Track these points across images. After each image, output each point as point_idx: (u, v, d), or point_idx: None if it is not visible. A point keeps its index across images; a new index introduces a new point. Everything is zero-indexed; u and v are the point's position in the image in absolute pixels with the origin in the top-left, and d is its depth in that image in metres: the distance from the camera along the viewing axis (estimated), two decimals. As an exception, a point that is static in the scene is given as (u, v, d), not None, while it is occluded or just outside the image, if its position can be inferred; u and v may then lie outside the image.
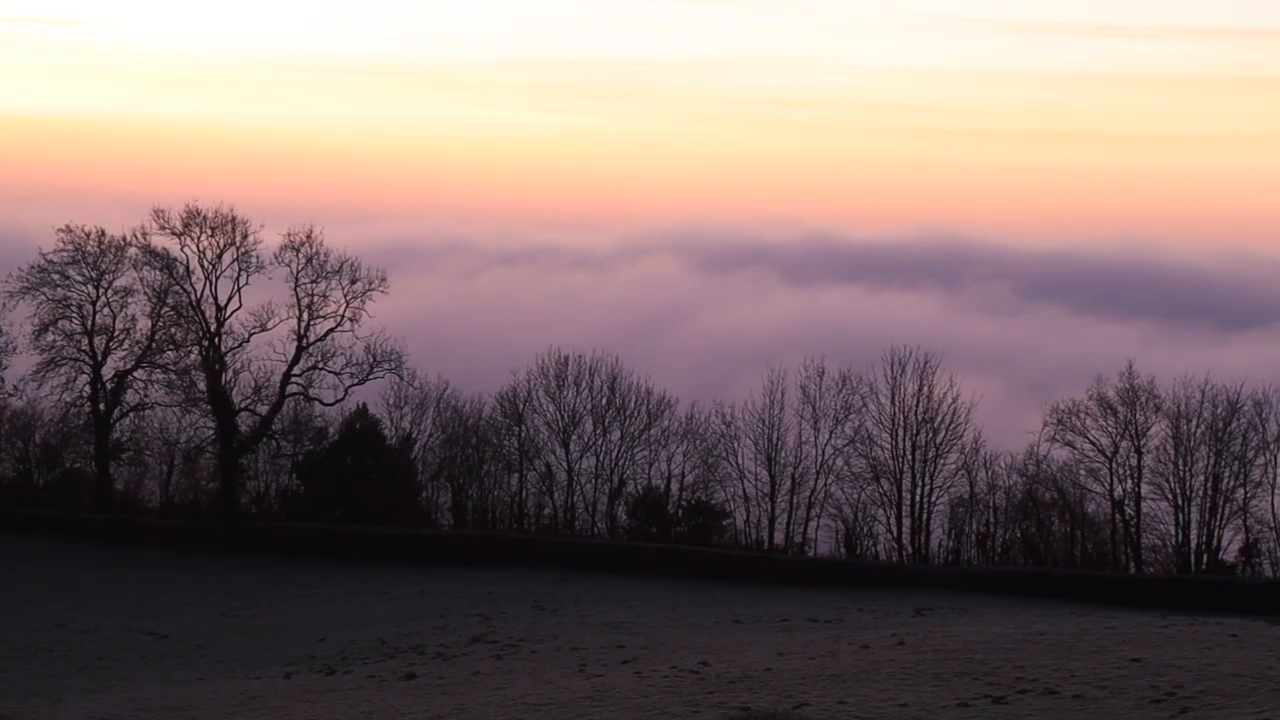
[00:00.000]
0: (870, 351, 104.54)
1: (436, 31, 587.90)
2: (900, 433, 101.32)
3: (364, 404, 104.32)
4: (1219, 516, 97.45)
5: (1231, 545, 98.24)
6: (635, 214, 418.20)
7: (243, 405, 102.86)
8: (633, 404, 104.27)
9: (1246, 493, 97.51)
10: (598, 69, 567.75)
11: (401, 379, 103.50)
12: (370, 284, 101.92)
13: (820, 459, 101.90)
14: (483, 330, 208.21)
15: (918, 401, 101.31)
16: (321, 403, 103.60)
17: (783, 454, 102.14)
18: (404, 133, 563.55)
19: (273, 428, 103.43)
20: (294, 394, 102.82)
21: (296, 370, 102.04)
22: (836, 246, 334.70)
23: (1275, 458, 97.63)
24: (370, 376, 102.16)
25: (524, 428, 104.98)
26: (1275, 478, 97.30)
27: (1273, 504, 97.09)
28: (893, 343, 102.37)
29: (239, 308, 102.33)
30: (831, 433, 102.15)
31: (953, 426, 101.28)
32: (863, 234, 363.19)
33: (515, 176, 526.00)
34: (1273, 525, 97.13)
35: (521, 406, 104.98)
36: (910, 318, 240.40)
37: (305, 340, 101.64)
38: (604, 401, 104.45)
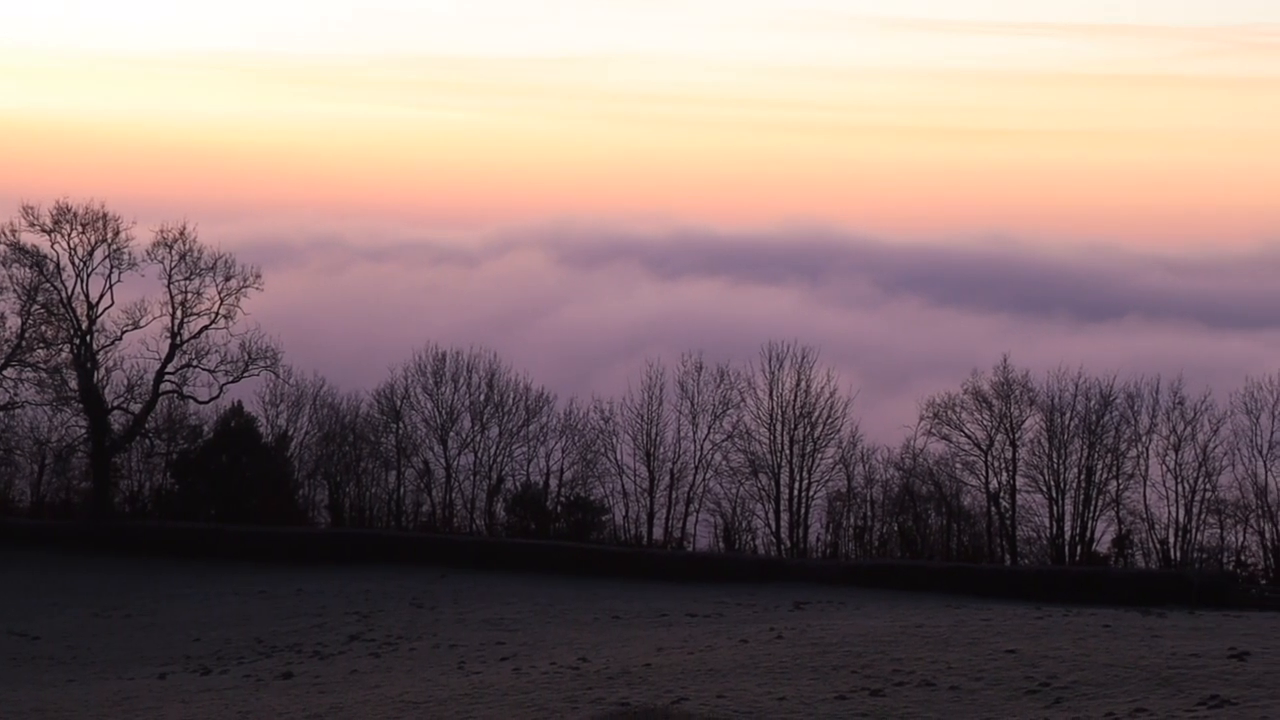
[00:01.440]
0: (730, 343, 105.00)
1: (310, 26, 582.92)
2: (778, 427, 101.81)
3: (239, 402, 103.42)
4: (1092, 508, 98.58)
5: (1105, 536, 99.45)
6: (507, 209, 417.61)
7: (115, 404, 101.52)
8: (511, 400, 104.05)
9: (1119, 484, 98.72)
10: (473, 65, 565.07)
11: (277, 376, 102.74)
12: (245, 281, 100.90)
13: (699, 454, 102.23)
14: (351, 326, 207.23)
15: (795, 396, 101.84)
16: (196, 401, 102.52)
17: (661, 449, 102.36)
18: (276, 128, 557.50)
19: (146, 426, 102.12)
20: (168, 392, 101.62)
21: (170, 368, 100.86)
22: (704, 241, 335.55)
23: (1147, 450, 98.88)
24: (245, 374, 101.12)
25: (401, 425, 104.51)
26: (1147, 470, 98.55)
27: (1144, 495, 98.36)
28: (751, 335, 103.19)
29: (111, 305, 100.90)
30: (710, 428, 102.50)
31: (830, 421, 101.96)
32: (731, 228, 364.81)
33: (388, 172, 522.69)
34: (1144, 517, 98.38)
35: (399, 403, 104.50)
36: (771, 310, 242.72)
37: (179, 338, 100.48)
38: (482, 398, 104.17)
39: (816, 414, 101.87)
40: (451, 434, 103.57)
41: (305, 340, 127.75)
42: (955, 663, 43.07)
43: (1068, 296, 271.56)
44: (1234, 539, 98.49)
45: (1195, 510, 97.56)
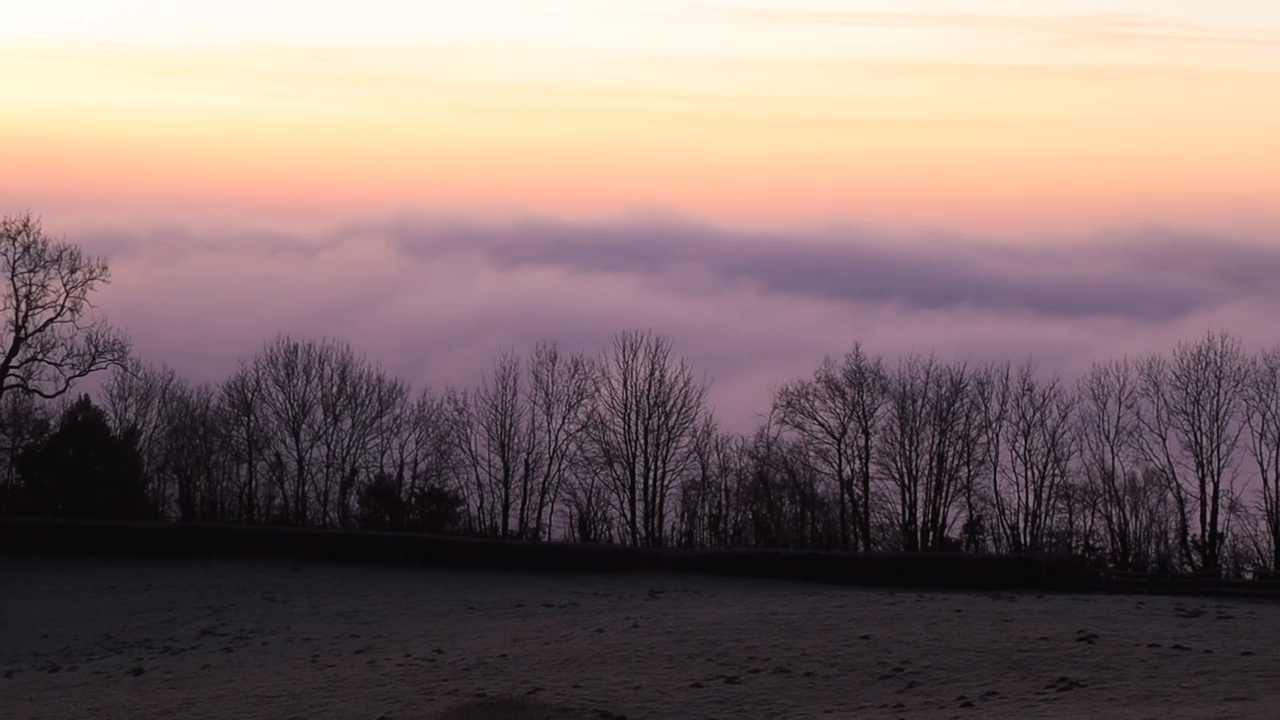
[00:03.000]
0: (567, 330, 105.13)
1: (153, 15, 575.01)
2: (633, 416, 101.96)
3: (86, 395, 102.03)
4: (944, 494, 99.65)
5: (956, 522, 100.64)
6: (353, 200, 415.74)
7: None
8: (364, 392, 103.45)
9: (970, 471, 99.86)
10: (320, 55, 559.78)
11: (125, 369, 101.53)
12: (91, 273, 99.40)
13: (553, 444, 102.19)
14: (198, 318, 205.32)
15: (649, 385, 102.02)
16: (42, 395, 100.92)
17: (516, 440, 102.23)
18: (119, 118, 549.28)
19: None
20: (12, 386, 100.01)
21: (15, 362, 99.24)
22: (548, 230, 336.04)
23: (997, 436, 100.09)
24: (92, 368, 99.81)
25: (253, 417, 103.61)
26: (997, 456, 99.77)
27: (995, 481, 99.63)
28: (587, 322, 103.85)
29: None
30: (564, 418, 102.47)
31: (684, 410, 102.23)
32: (575, 217, 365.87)
33: (233, 163, 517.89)
34: (995, 502, 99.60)
35: (250, 396, 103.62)
36: (609, 298, 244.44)
37: (23, 331, 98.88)
38: (335, 390, 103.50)
39: (670, 403, 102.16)
40: (304, 426, 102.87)
41: (153, 332, 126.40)
42: (810, 649, 43.29)
43: (903, 283, 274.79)
44: (1082, 523, 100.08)
45: (1044, 495, 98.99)
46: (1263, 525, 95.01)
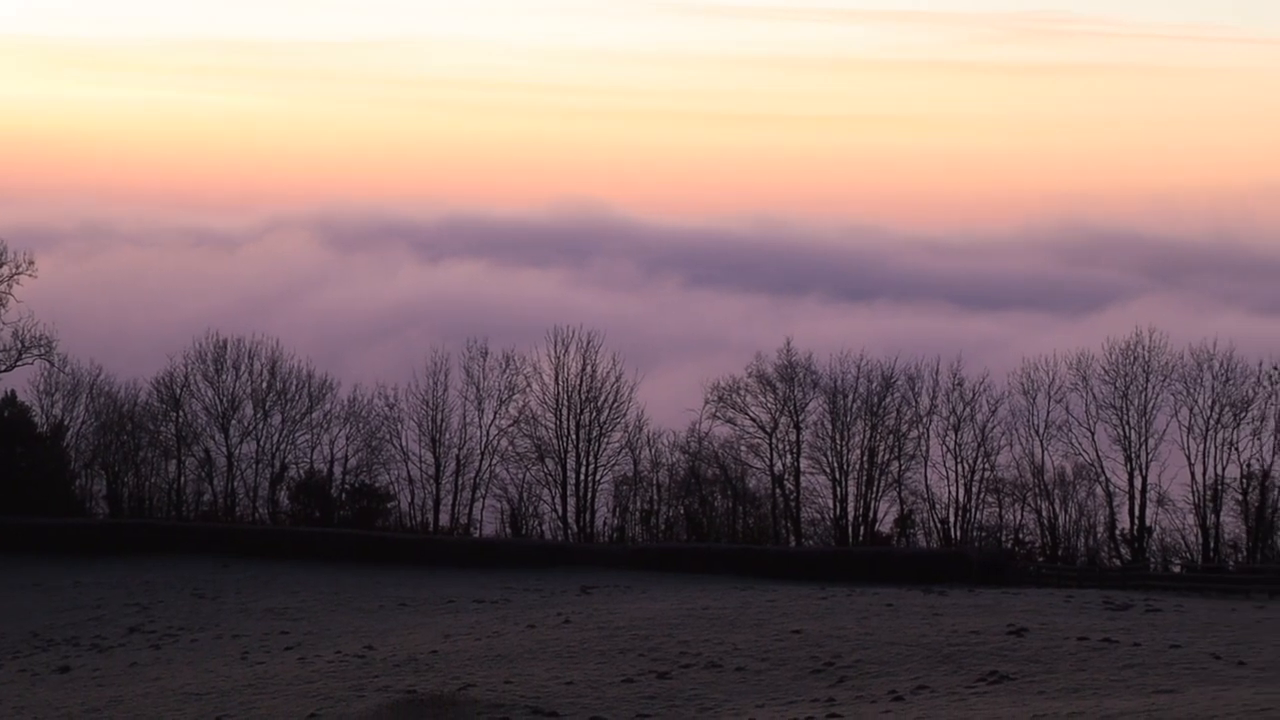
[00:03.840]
0: (490, 324, 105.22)
1: (86, 7, 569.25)
2: (564, 412, 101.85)
3: (12, 391, 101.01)
4: (875, 489, 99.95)
5: (887, 517, 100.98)
6: (280, 195, 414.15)
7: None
8: (294, 388, 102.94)
9: (900, 465, 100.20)
10: (248, 49, 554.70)
11: (52, 365, 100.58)
12: (17, 268, 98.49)
13: (485, 439, 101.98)
14: (125, 313, 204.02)
15: (581, 380, 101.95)
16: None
17: (447, 435, 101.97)
18: (50, 111, 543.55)
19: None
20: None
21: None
22: (474, 224, 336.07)
23: (928, 430, 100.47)
24: (19, 363, 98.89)
25: (182, 413, 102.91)
26: (928, 450, 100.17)
27: (925, 475, 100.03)
28: (510, 315, 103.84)
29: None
30: (496, 413, 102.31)
31: (616, 405, 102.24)
32: (502, 212, 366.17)
33: (162, 157, 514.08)
34: (926, 496, 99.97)
35: (179, 391, 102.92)
36: (535, 292, 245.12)
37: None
38: (264, 385, 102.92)
39: (602, 398, 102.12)
40: (233, 422, 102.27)
41: (78, 327, 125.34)
42: (742, 644, 43.35)
43: (826, 277, 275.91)
44: (1012, 517, 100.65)
45: (974, 489, 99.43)
46: (1190, 519, 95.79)
